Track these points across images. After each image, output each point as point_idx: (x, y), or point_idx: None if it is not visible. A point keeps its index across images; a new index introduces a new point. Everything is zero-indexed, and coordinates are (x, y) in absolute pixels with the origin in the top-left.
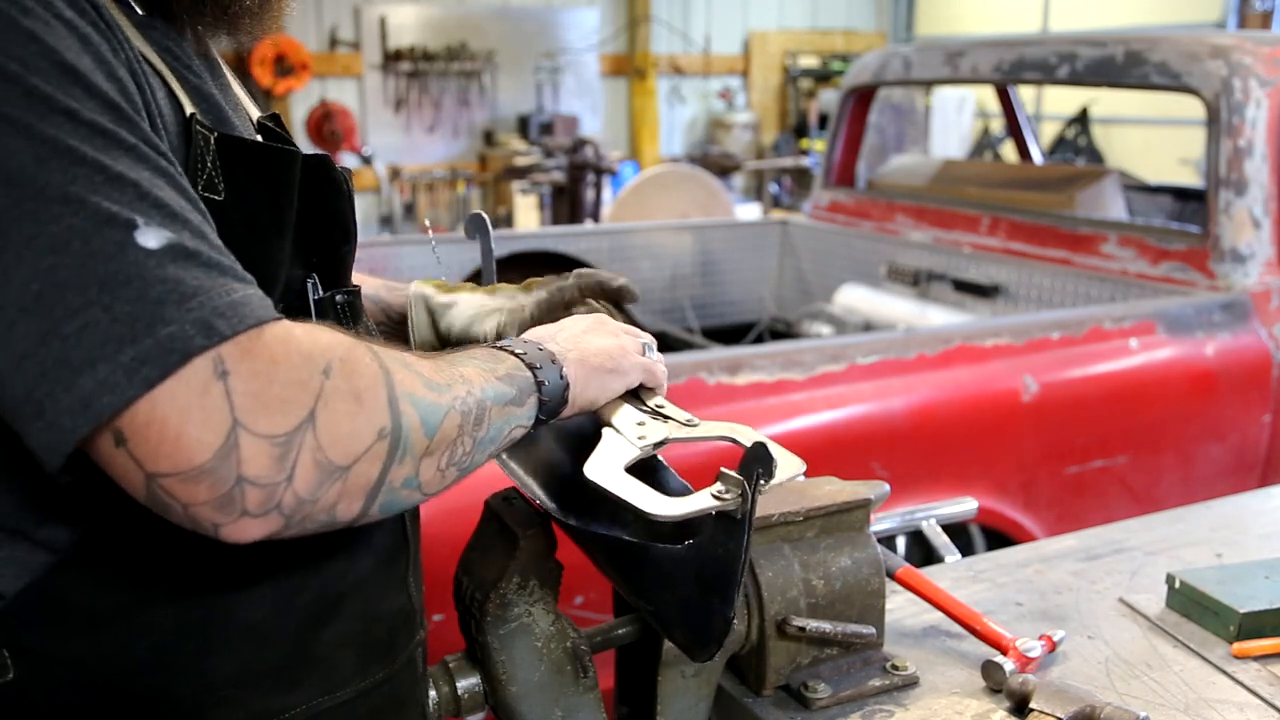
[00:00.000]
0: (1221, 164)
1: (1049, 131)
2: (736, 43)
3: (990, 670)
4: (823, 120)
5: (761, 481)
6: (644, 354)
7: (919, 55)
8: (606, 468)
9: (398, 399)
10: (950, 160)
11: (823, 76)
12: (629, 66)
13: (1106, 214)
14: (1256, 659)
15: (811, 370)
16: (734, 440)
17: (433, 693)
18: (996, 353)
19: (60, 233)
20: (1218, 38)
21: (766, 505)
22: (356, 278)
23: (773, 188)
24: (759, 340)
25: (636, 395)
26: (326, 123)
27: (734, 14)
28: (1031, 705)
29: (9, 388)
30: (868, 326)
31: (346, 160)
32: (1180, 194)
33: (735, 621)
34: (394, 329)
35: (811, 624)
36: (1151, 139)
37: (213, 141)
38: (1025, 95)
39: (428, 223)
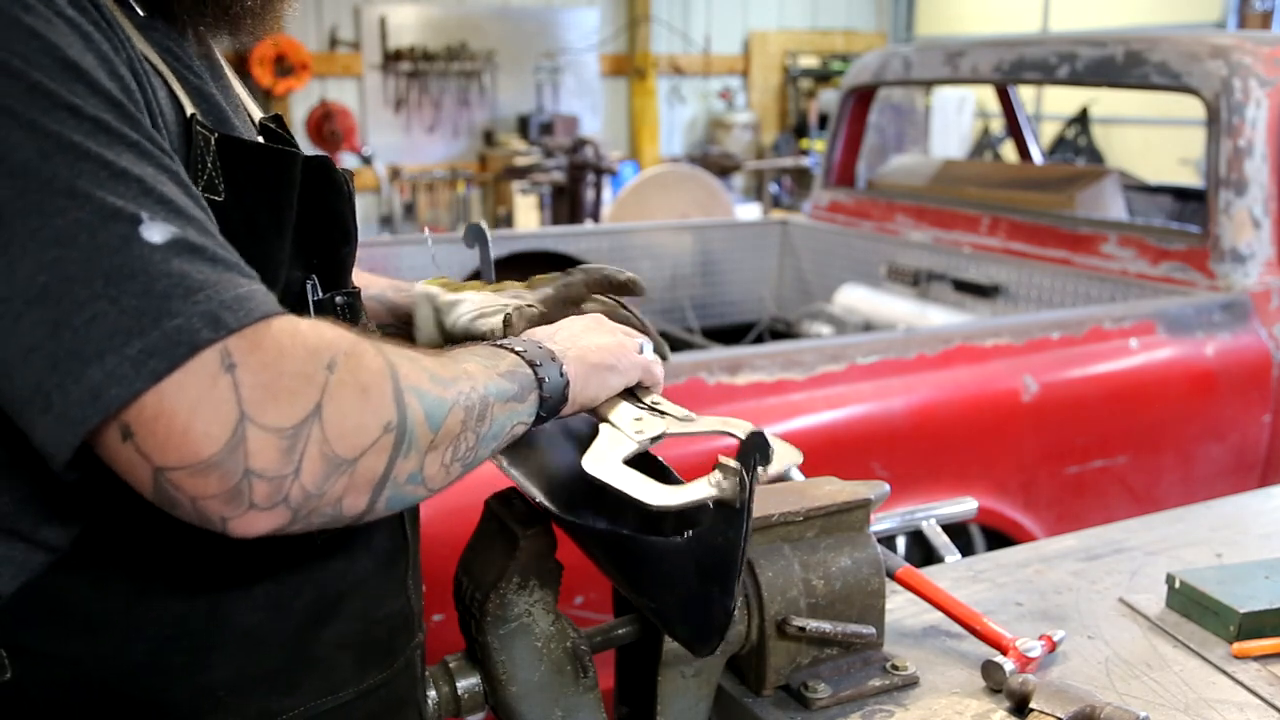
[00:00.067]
0: (1221, 164)
1: (1049, 131)
2: (736, 43)
3: (990, 670)
4: (823, 120)
5: (759, 469)
6: (641, 353)
7: (919, 55)
8: (604, 460)
9: (403, 393)
10: (950, 160)
11: (823, 76)
12: (629, 66)
13: (1106, 214)
14: (1256, 659)
15: (811, 370)
16: (730, 433)
17: (432, 693)
18: (996, 353)
19: (66, 226)
20: (1218, 38)
21: (766, 505)
22: (363, 278)
23: (773, 188)
24: (759, 340)
25: (633, 394)
26: (326, 123)
27: (734, 14)
28: (1031, 705)
29: (15, 380)
30: (868, 326)
31: (346, 160)
32: (1180, 194)
33: (735, 616)
34: (401, 330)
35: (811, 624)
36: (1151, 139)
37: (213, 142)
38: (1025, 95)
39: (426, 231)
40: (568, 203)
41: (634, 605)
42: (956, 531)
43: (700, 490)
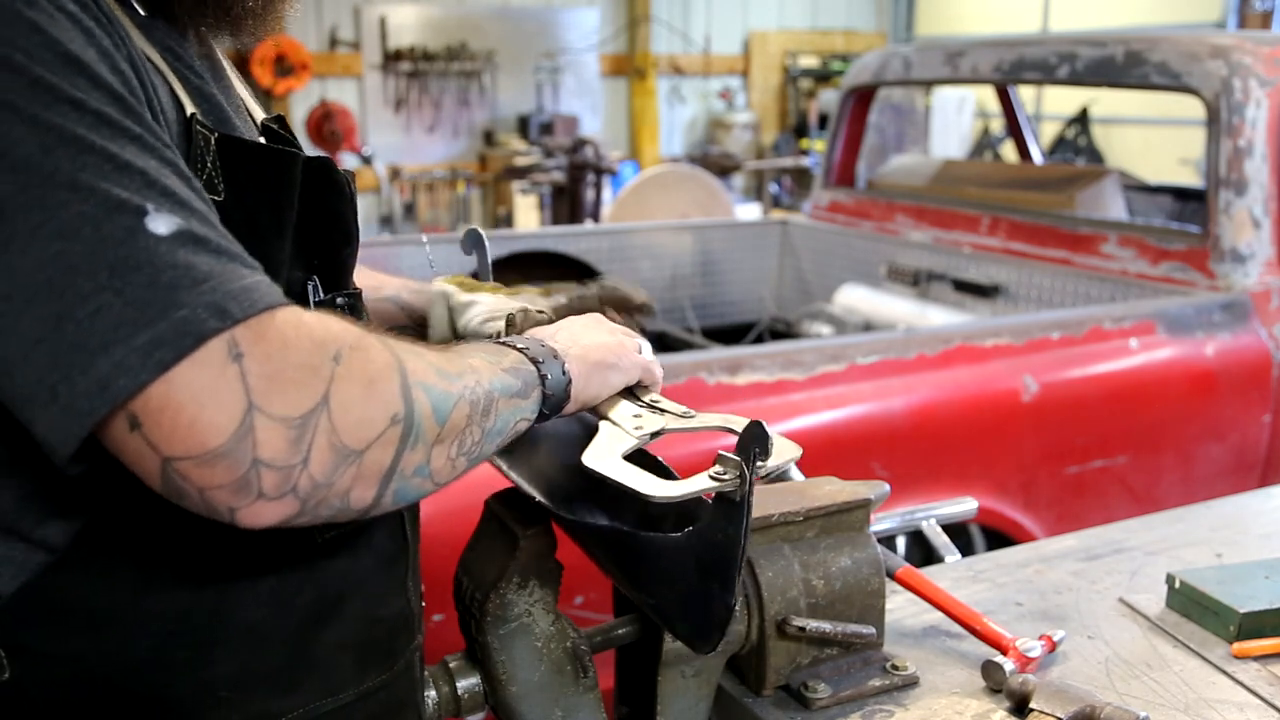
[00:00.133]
0: (1221, 164)
1: (1049, 131)
2: (736, 43)
3: (990, 670)
4: (823, 120)
5: (759, 462)
6: (640, 353)
7: (919, 55)
8: (605, 456)
9: (410, 386)
10: (950, 160)
11: (823, 76)
12: (629, 66)
13: (1106, 214)
14: (1256, 659)
15: (811, 370)
16: (730, 429)
17: (432, 693)
18: (996, 353)
19: (70, 219)
20: (1218, 38)
21: (766, 505)
22: (375, 278)
23: (773, 188)
24: (759, 340)
25: (633, 393)
26: (326, 123)
27: (734, 14)
28: (1031, 705)
29: (20, 374)
30: (868, 326)
31: (346, 160)
32: (1180, 194)
33: (736, 615)
34: (415, 330)
35: (811, 624)
36: (1151, 139)
37: (213, 141)
38: (1025, 95)
39: (424, 237)
40: (568, 203)
41: (634, 603)
42: (956, 531)
43: (700, 483)
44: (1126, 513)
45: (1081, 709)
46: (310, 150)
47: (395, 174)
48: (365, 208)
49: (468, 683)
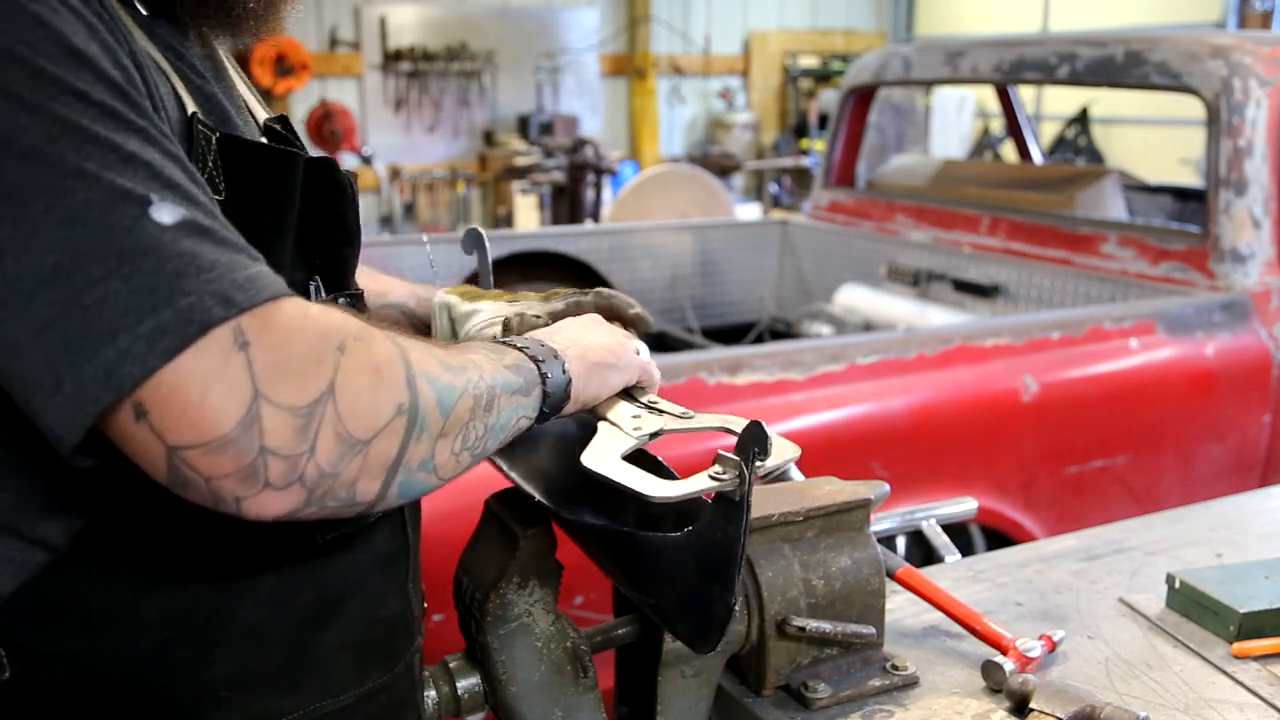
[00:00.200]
0: (1221, 164)
1: (1049, 131)
2: (736, 43)
3: (990, 670)
4: (823, 120)
5: (758, 462)
6: (639, 355)
7: (919, 55)
8: (604, 456)
9: (415, 377)
10: (950, 160)
11: (823, 76)
12: (629, 66)
13: (1106, 214)
14: (1256, 659)
15: (811, 370)
16: (729, 430)
17: (432, 693)
18: (996, 353)
19: (76, 206)
20: (1218, 38)
21: (766, 505)
22: (383, 281)
23: (773, 188)
24: (759, 340)
25: (630, 394)
26: (326, 123)
27: (734, 14)
28: (1031, 705)
29: (27, 360)
30: (868, 326)
31: (346, 160)
32: (1180, 194)
33: (735, 615)
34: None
35: (811, 624)
36: (1151, 139)
37: (214, 141)
38: (1025, 95)
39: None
40: (568, 203)
41: (634, 603)
42: (956, 531)
43: (699, 483)
44: (1126, 513)
45: (1081, 709)
46: (310, 150)
47: (395, 174)
48: (365, 208)
49: (468, 683)
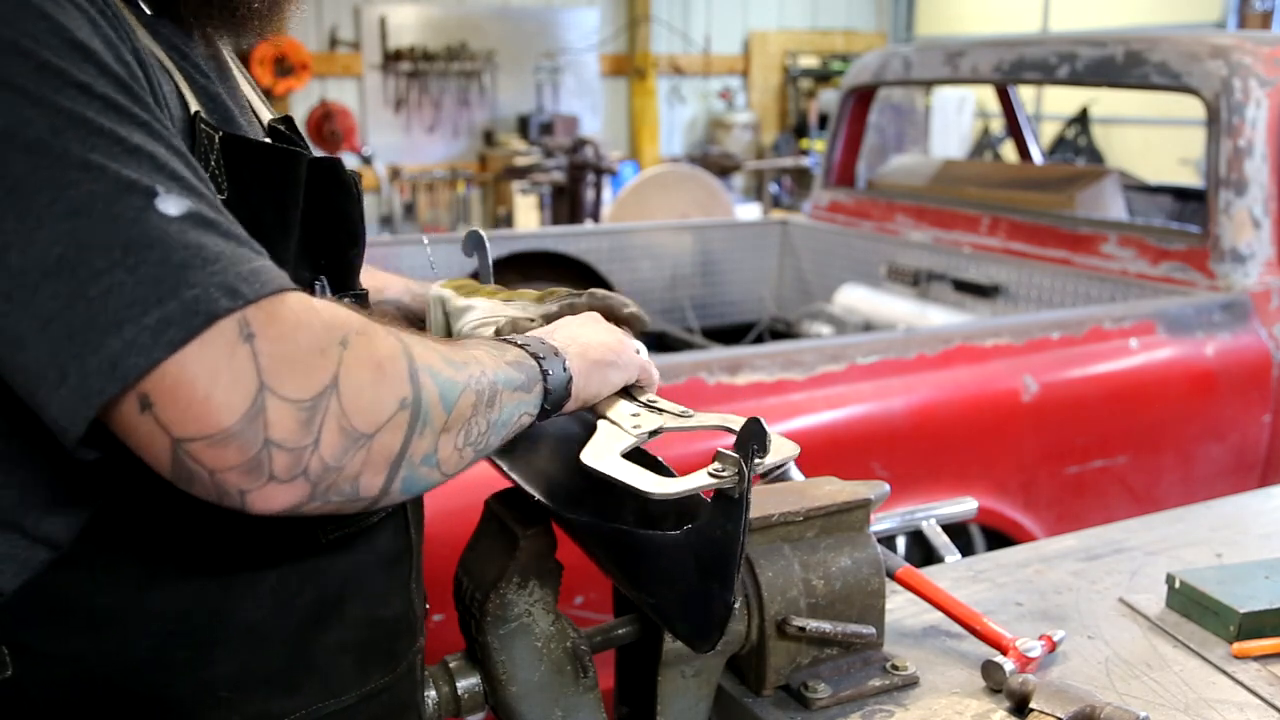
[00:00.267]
0: (1221, 164)
1: (1049, 131)
2: (736, 43)
3: (990, 670)
4: (823, 120)
5: (757, 459)
6: (638, 353)
7: (919, 55)
8: (603, 454)
9: (418, 371)
10: (950, 160)
11: (823, 76)
12: (629, 66)
13: (1106, 214)
14: (1256, 659)
15: (811, 370)
16: (728, 428)
17: (432, 693)
18: (996, 353)
19: (81, 197)
20: (1218, 38)
21: (766, 505)
22: (379, 278)
23: (773, 188)
24: (759, 340)
25: (629, 393)
26: (326, 123)
27: (734, 14)
28: (1031, 705)
29: (32, 353)
30: (868, 326)
31: (346, 160)
32: (1180, 194)
33: (735, 615)
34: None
35: (811, 624)
36: (1151, 139)
37: (217, 140)
38: (1025, 95)
39: (425, 238)
40: (568, 203)
41: (634, 603)
42: (956, 531)
43: (699, 480)
44: (1126, 513)
45: (1081, 709)
46: (312, 151)
47: (395, 174)
48: (366, 208)
49: (468, 683)
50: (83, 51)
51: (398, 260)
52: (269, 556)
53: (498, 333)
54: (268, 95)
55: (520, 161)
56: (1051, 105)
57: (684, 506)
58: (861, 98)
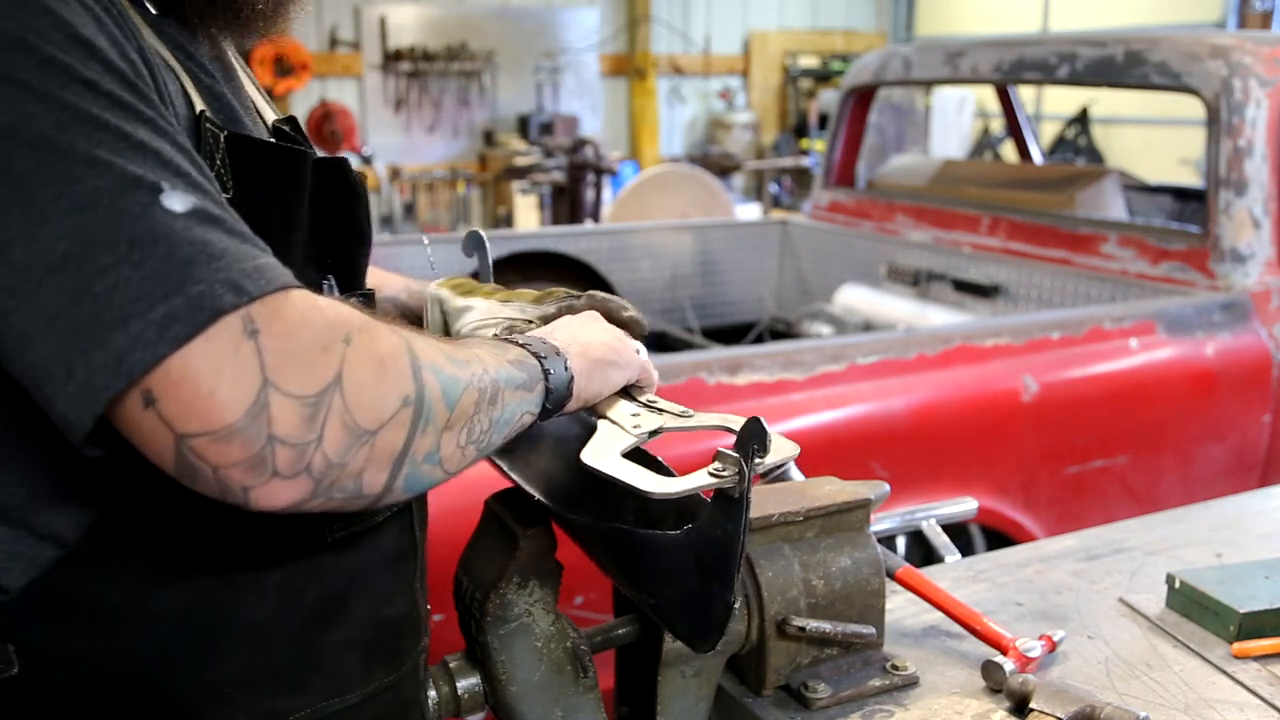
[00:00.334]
0: (1221, 164)
1: (1049, 131)
2: (736, 43)
3: (990, 670)
4: (823, 120)
5: (757, 459)
6: (638, 353)
7: (919, 55)
8: (604, 453)
9: (420, 368)
10: (950, 160)
11: (823, 76)
12: (629, 66)
13: (1106, 214)
14: (1256, 659)
15: (811, 370)
16: (728, 429)
17: (432, 693)
18: (996, 353)
19: (86, 193)
20: (1218, 38)
21: (766, 505)
22: (377, 276)
23: (773, 188)
24: (759, 340)
25: (629, 393)
26: (326, 123)
27: (734, 14)
28: (1031, 705)
29: (39, 349)
30: (868, 326)
31: None
32: (1180, 194)
33: (735, 615)
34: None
35: (811, 624)
36: (1151, 139)
37: (222, 139)
38: (1025, 95)
39: (425, 238)
40: (568, 203)
41: (634, 603)
42: (956, 531)
43: (699, 480)
44: (1126, 513)
45: (1081, 709)
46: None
47: (395, 174)
48: None
49: (468, 683)
50: (88, 48)
51: (398, 260)
52: (274, 555)
53: (497, 335)
54: (268, 95)
55: (520, 161)
56: (1051, 105)
57: (684, 506)
58: (861, 98)
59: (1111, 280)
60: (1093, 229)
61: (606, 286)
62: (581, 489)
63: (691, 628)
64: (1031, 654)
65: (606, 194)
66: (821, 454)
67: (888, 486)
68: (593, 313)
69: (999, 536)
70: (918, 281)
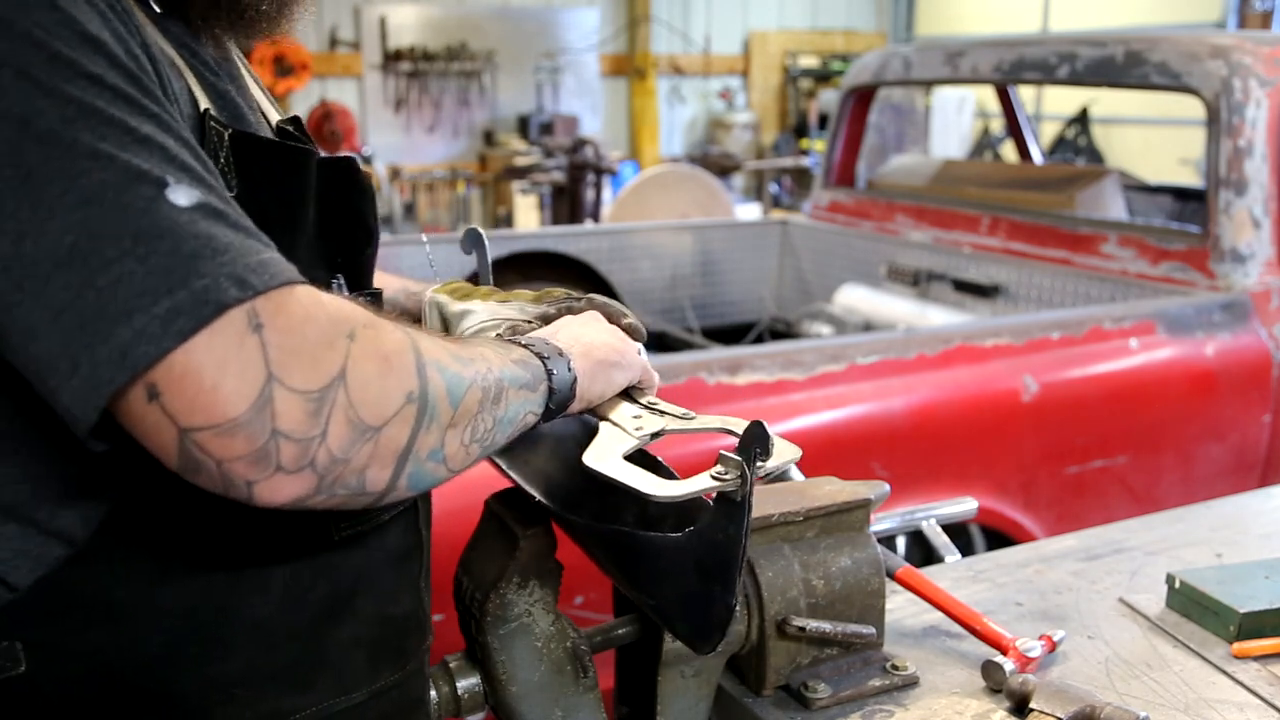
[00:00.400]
0: (1221, 164)
1: (1049, 131)
2: (736, 43)
3: (990, 670)
4: (823, 120)
5: (759, 462)
6: (639, 355)
7: (919, 55)
8: (605, 455)
9: (425, 365)
10: (950, 160)
11: (823, 76)
12: (629, 66)
13: (1106, 214)
14: (1256, 659)
15: (811, 370)
16: (730, 431)
17: (433, 693)
18: (996, 353)
19: (91, 187)
20: (1218, 38)
21: (766, 505)
22: (379, 277)
23: (773, 188)
24: (759, 340)
25: (630, 395)
26: (326, 123)
27: (734, 14)
28: (1031, 705)
29: (44, 343)
30: (868, 326)
31: None
32: (1180, 194)
33: (736, 615)
34: None
35: (811, 624)
36: (1151, 139)
37: (226, 137)
38: (1025, 95)
39: (424, 237)
40: (568, 203)
41: (634, 604)
42: (956, 531)
43: (701, 483)
44: (1126, 513)
45: (1081, 709)
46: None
47: (395, 174)
48: None
49: (468, 683)
50: (93, 44)
51: (398, 260)
52: (281, 552)
53: (500, 335)
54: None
55: (520, 161)
56: (1051, 105)
57: (683, 508)
58: (861, 98)
59: (1111, 280)
60: (1093, 229)
61: (606, 286)
62: (581, 489)
63: (692, 629)
64: (1031, 654)
65: (606, 194)
66: (821, 454)
67: (888, 486)
68: (594, 313)
69: (999, 536)
70: (918, 281)
